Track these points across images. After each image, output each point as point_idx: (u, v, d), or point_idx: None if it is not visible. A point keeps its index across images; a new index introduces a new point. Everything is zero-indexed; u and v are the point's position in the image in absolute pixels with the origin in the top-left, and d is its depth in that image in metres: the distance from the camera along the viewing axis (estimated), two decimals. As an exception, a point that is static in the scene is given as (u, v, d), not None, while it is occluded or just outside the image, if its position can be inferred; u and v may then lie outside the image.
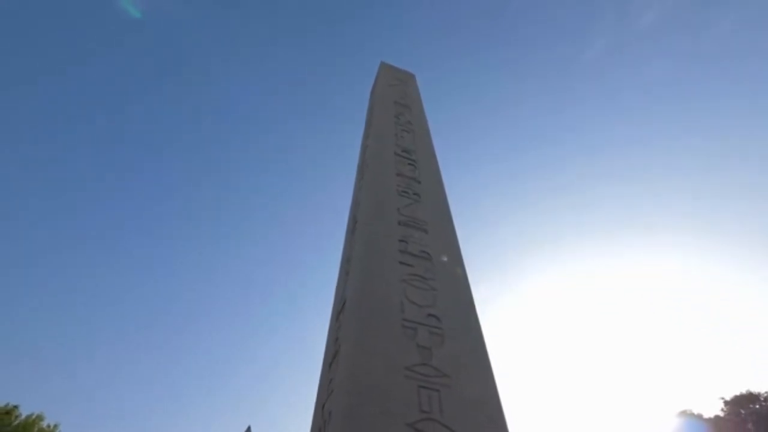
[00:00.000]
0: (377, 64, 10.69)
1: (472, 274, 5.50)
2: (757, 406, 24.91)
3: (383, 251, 5.23)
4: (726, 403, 25.98)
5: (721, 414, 25.82)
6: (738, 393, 25.69)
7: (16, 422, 20.79)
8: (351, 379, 3.83)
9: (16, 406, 21.08)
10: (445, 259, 5.52)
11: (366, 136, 8.58)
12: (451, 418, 3.84)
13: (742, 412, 25.13)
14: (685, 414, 26.98)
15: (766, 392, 25.03)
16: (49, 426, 21.78)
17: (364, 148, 8.13)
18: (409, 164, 7.13)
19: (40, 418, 21.66)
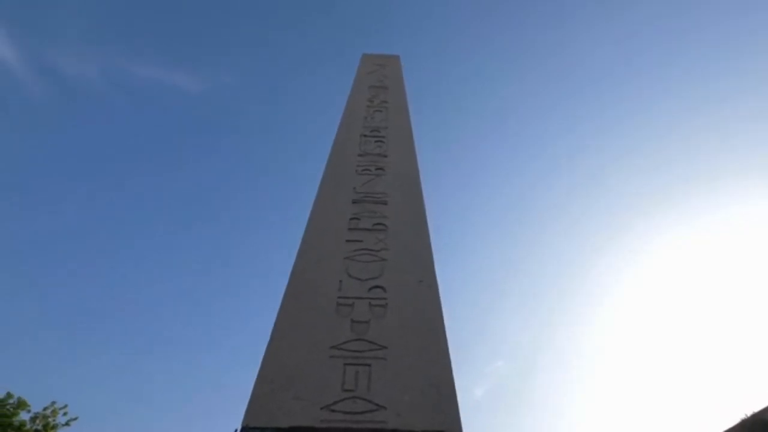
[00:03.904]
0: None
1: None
2: None
3: (327, 235, 4.94)
4: None
5: None
6: None
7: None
8: (266, 369, 3.57)
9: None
10: (402, 224, 5.06)
11: None
12: (380, 392, 3.41)
13: None
14: None
15: None
16: None
17: None
18: (377, 141, 6.78)
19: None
